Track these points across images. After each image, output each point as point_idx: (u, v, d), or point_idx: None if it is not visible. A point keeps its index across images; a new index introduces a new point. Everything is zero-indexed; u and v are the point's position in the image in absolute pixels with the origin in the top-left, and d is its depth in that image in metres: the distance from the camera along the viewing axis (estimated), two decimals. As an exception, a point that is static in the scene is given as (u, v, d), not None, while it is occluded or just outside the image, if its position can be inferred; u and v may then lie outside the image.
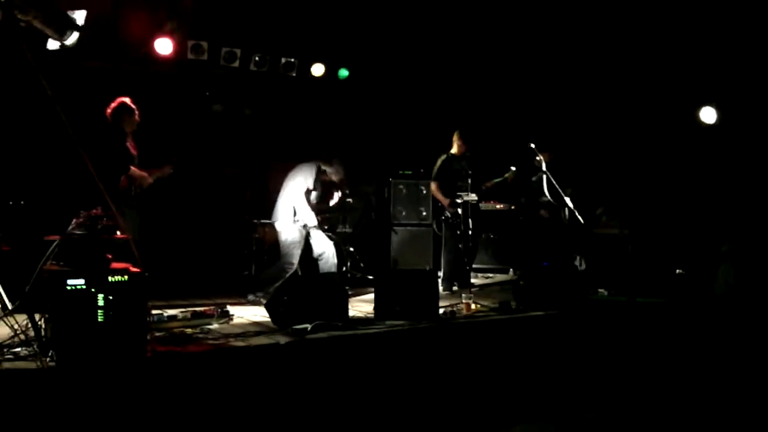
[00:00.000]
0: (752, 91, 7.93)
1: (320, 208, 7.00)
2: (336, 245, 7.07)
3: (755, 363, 5.12)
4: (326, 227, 7.21)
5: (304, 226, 6.70)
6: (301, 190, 6.70)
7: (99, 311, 3.85)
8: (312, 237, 6.80)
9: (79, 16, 4.66)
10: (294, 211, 6.66)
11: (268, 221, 7.09)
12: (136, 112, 6.30)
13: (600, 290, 7.00)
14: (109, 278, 3.91)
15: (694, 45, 8.01)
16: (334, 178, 7.00)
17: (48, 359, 3.72)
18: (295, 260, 6.69)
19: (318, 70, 8.87)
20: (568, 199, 6.95)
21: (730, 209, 7.83)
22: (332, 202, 7.33)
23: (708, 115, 8.25)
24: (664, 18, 7.94)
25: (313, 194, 6.83)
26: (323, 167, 6.86)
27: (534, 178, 7.81)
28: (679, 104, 8.45)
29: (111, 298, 3.88)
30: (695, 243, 7.75)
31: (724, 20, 7.69)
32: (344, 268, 7.68)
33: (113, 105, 6.17)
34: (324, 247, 6.81)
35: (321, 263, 6.82)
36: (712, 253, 7.10)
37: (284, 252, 6.69)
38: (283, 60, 8.55)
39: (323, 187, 7.01)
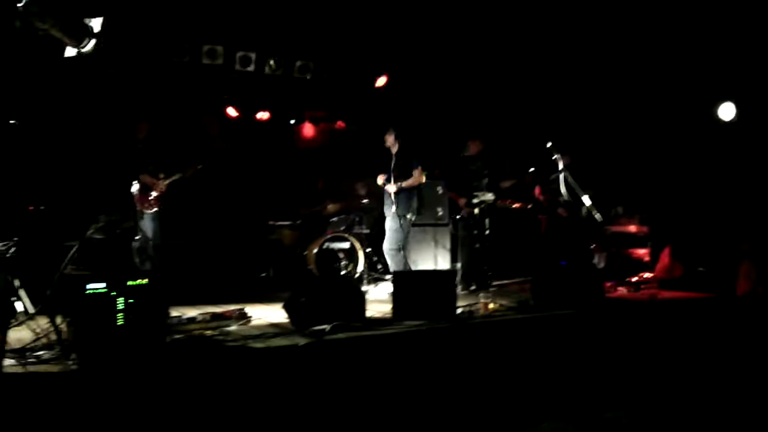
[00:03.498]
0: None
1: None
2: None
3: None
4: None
5: None
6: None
7: (119, 314, 3.90)
8: None
9: (96, 24, 4.70)
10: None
11: (285, 223, 7.11)
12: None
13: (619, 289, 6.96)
14: (129, 282, 3.95)
15: (712, 42, 7.93)
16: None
17: (70, 362, 3.76)
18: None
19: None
20: (585, 198, 6.90)
21: (750, 207, 7.74)
22: None
23: (726, 111, 8.16)
24: (682, 15, 7.86)
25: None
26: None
27: (552, 177, 7.77)
28: (697, 101, 8.37)
29: (131, 301, 3.92)
30: (715, 241, 7.67)
31: (742, 17, 7.60)
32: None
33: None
34: None
35: None
36: (733, 251, 7.03)
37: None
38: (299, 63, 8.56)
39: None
